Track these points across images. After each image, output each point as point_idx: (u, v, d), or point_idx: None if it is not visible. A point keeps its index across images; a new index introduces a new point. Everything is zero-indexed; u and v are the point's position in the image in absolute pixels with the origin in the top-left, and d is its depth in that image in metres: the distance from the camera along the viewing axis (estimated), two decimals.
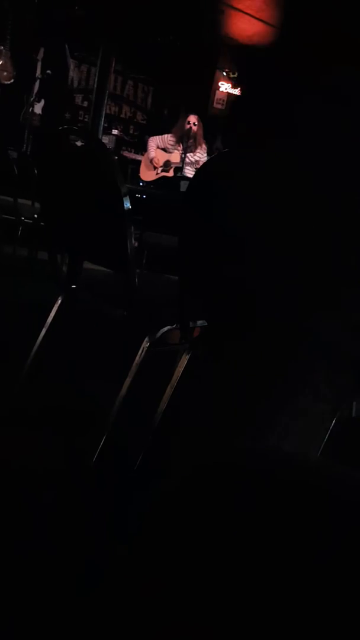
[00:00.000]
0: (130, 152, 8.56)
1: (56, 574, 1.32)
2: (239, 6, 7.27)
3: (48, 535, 1.46)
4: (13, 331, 2.80)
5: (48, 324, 2.13)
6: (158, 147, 5.68)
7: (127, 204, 1.61)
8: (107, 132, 8.27)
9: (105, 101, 7.56)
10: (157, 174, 5.69)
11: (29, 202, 4.30)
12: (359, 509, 0.42)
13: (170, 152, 5.64)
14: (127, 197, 1.61)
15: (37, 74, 7.41)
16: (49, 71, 7.12)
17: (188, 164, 5.35)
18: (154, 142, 5.73)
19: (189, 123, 5.44)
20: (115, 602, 0.44)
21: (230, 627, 0.39)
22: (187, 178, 4.82)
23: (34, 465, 1.78)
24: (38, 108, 7.31)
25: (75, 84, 8.64)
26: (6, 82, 6.81)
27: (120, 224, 1.64)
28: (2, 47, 6.67)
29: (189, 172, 5.30)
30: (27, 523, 1.50)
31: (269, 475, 0.46)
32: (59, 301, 2.12)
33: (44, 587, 1.28)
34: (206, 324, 1.84)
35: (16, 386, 2.10)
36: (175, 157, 5.56)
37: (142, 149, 7.30)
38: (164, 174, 5.64)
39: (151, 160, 5.65)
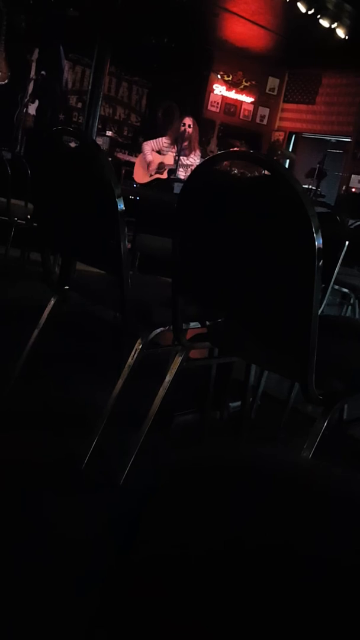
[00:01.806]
0: (124, 153, 8.57)
1: (53, 576, 1.32)
2: (234, 9, 7.28)
3: (42, 535, 1.46)
4: (5, 332, 2.79)
5: (41, 325, 2.12)
6: (153, 150, 5.69)
7: (121, 205, 1.61)
8: (101, 133, 8.26)
9: (100, 102, 7.54)
10: (150, 176, 5.69)
11: (22, 203, 4.29)
12: (356, 510, 0.43)
13: (164, 154, 5.65)
14: (121, 199, 1.61)
15: (31, 75, 7.40)
16: (43, 72, 7.12)
17: (181, 166, 5.36)
18: (149, 145, 5.74)
19: (183, 125, 5.45)
20: (111, 602, 0.44)
21: (229, 629, 0.39)
22: (180, 180, 4.83)
23: (25, 466, 1.77)
24: (32, 109, 7.31)
25: (70, 85, 8.63)
26: (0, 83, 6.80)
27: (114, 225, 1.64)
28: None
29: (183, 174, 5.30)
30: (18, 524, 1.49)
31: (265, 473, 0.46)
32: (52, 302, 2.11)
33: (41, 588, 1.27)
34: (199, 325, 1.84)
35: (7, 387, 2.10)
36: (169, 159, 5.57)
37: (136, 150, 7.31)
38: (157, 176, 5.64)
39: (148, 164, 5.65)
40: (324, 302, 2.34)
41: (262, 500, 0.43)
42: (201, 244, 1.55)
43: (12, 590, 1.26)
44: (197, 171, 1.52)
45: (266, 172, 1.33)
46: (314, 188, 7.69)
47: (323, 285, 2.32)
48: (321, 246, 1.23)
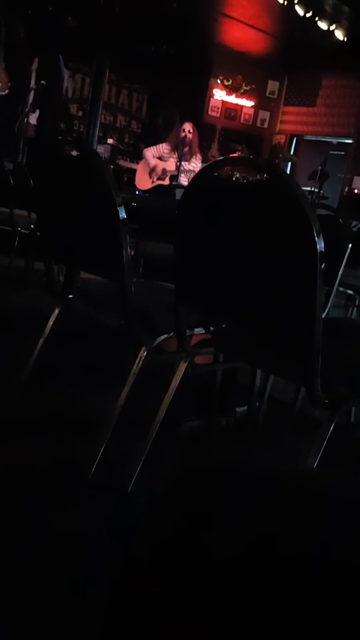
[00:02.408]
0: (126, 160, 8.60)
1: (60, 583, 1.31)
2: (232, 14, 7.31)
3: (48, 544, 1.45)
4: (11, 341, 2.80)
5: (45, 334, 2.13)
6: (154, 157, 5.71)
7: (122, 214, 1.61)
8: (102, 141, 8.29)
9: (100, 111, 7.56)
10: (152, 182, 5.71)
11: (25, 213, 4.30)
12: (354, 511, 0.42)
13: (165, 161, 5.66)
14: (122, 207, 1.61)
15: (31, 85, 7.43)
16: (43, 82, 7.15)
17: (183, 171, 5.37)
18: (150, 152, 5.75)
19: (184, 131, 5.46)
20: (110, 603, 0.44)
21: (229, 628, 0.39)
22: (182, 186, 4.84)
23: (32, 475, 1.77)
24: (33, 118, 7.34)
25: (70, 94, 8.67)
26: (1, 93, 6.83)
27: (116, 234, 1.64)
28: None
29: (184, 180, 5.31)
30: (25, 533, 1.49)
31: (264, 477, 0.46)
32: (56, 311, 2.12)
33: (46, 595, 1.27)
34: (203, 331, 1.84)
35: (14, 396, 2.10)
36: (170, 165, 5.59)
37: (138, 157, 7.32)
38: (159, 182, 5.65)
39: (153, 168, 5.66)
40: (329, 304, 2.33)
41: (261, 508, 0.42)
42: (202, 250, 1.55)
43: (17, 597, 1.26)
44: (196, 177, 1.52)
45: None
46: (316, 190, 7.69)
47: (327, 288, 2.31)
48: (323, 249, 1.23)
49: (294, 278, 1.32)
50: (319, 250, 1.23)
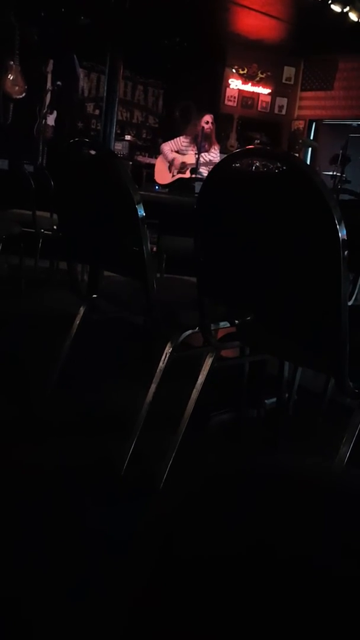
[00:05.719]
0: (145, 156, 8.59)
1: (95, 579, 1.33)
2: (244, 2, 7.23)
3: (85, 541, 1.47)
4: (39, 342, 2.83)
5: (72, 333, 2.14)
6: (172, 151, 5.69)
7: (141, 212, 1.61)
8: (120, 138, 8.29)
9: (116, 108, 7.55)
10: (173, 176, 5.69)
11: (47, 214, 4.33)
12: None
13: (184, 154, 5.64)
14: (141, 205, 1.61)
15: (47, 86, 7.47)
16: (59, 82, 7.18)
17: (203, 164, 5.35)
18: (167, 146, 5.74)
19: (207, 122, 5.44)
20: (136, 605, 0.44)
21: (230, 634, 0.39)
22: (202, 179, 4.81)
23: (66, 473, 1.79)
24: (51, 120, 7.37)
25: (86, 93, 8.69)
26: (18, 96, 6.88)
27: (136, 231, 1.64)
28: (12, 62, 6.74)
29: (205, 171, 5.29)
30: (61, 530, 1.51)
31: (296, 480, 0.45)
32: (81, 311, 2.13)
33: (80, 591, 1.29)
34: (228, 325, 1.83)
35: (45, 395, 2.12)
36: (189, 158, 5.57)
37: (156, 152, 7.32)
38: (180, 175, 5.64)
39: (171, 162, 5.65)
40: (356, 291, 2.30)
41: (294, 516, 0.42)
42: (223, 243, 1.54)
43: (52, 594, 1.27)
44: (215, 170, 1.51)
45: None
46: (338, 174, 7.57)
47: (353, 275, 2.28)
48: (345, 237, 1.21)
49: (317, 267, 1.31)
50: (341, 238, 1.21)
